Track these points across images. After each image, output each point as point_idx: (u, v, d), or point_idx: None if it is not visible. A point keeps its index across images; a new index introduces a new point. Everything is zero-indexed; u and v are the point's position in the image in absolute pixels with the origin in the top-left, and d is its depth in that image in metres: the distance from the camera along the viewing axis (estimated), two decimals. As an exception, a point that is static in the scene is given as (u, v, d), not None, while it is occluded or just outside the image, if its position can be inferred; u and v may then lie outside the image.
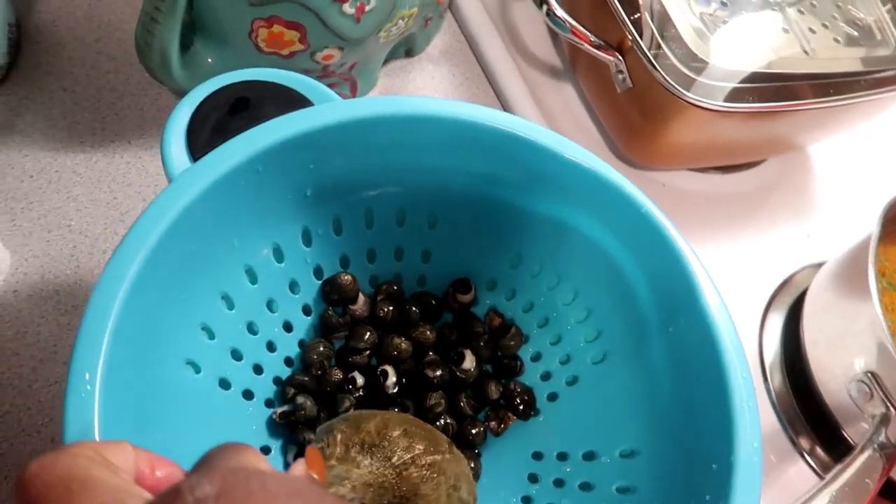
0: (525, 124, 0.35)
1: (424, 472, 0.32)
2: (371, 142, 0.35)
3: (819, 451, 0.46)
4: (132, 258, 0.29)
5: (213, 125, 0.33)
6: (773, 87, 0.46)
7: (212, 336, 0.36)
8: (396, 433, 0.33)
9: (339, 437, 0.34)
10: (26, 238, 0.45)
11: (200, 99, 0.34)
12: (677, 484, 0.33)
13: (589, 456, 0.38)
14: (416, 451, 0.33)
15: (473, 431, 0.40)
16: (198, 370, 0.35)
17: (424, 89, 0.57)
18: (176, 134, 0.34)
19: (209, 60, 0.46)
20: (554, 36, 0.61)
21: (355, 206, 0.39)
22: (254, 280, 0.37)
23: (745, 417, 0.30)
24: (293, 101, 0.35)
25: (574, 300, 0.40)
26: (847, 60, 0.49)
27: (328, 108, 0.34)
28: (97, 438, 0.26)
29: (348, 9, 0.43)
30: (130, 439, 0.29)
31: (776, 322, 0.52)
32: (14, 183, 0.46)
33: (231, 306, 0.37)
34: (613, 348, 0.39)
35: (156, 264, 0.30)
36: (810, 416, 0.47)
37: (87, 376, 0.27)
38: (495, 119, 0.35)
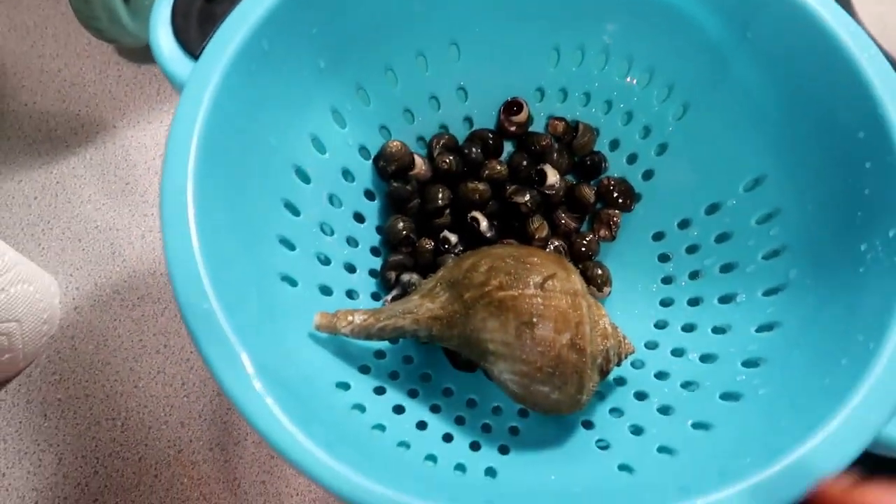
0: None
1: (492, 309, 0.30)
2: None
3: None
4: (183, 177, 0.26)
5: (198, 17, 0.30)
6: None
7: (291, 247, 0.33)
8: (483, 269, 0.31)
9: (440, 273, 0.32)
10: (61, 255, 0.42)
11: (173, -3, 0.30)
12: (824, 185, 0.30)
13: (712, 208, 0.35)
14: (488, 288, 0.30)
15: (585, 242, 0.38)
16: (294, 283, 0.32)
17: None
18: (164, 38, 0.30)
19: (155, 0, 0.42)
20: None
21: (374, 66, 0.36)
22: (306, 179, 0.35)
23: (871, 62, 0.27)
24: (267, -34, 0.31)
25: (630, 68, 0.37)
26: None
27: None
28: (245, 360, 0.24)
29: None
30: (268, 357, 0.27)
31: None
32: (22, 211, 0.43)
33: (296, 212, 0.34)
34: (692, 95, 0.36)
35: (210, 177, 0.27)
36: None
37: (200, 291, 0.24)
38: None
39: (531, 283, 0.30)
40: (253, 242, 0.30)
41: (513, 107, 0.39)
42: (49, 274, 0.41)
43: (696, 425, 0.29)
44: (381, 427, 0.30)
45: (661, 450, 0.28)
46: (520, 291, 0.29)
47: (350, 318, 0.31)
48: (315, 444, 0.23)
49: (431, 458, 0.29)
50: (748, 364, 0.30)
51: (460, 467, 0.29)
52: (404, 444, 0.29)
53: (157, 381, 0.39)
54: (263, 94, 0.31)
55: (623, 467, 0.28)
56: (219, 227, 0.27)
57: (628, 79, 0.37)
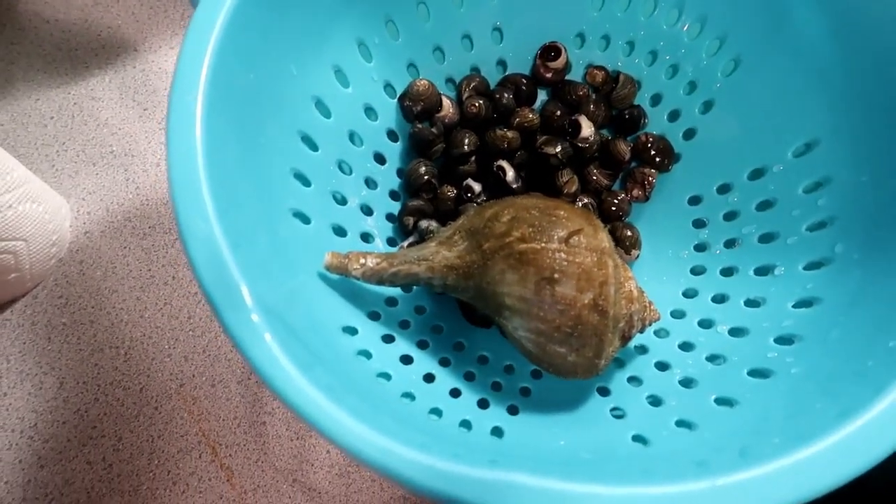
0: None
1: (512, 261, 0.28)
2: None
3: None
4: (193, 101, 0.25)
5: (221, -73, 0.28)
6: None
7: (307, 182, 0.31)
8: (505, 219, 0.29)
9: (460, 221, 0.31)
10: (74, 178, 0.41)
11: None
12: (883, 153, 0.28)
13: (756, 174, 0.33)
14: (509, 239, 0.28)
15: (616, 201, 0.36)
16: (306, 220, 0.31)
17: None
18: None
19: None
20: None
21: (404, -2, 0.34)
22: (327, 113, 0.33)
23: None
24: None
25: (680, 16, 0.34)
26: None
27: None
28: (244, 292, 0.22)
29: None
30: (270, 291, 0.25)
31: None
32: (37, 130, 0.42)
33: (314, 147, 0.32)
34: (746, 48, 0.33)
35: (221, 103, 0.26)
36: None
37: (200, 222, 0.23)
38: None
39: (555, 237, 0.28)
40: (264, 171, 0.29)
41: (550, 51, 0.36)
42: (61, 196, 0.40)
43: (720, 401, 0.27)
44: (387, 376, 0.28)
45: (680, 423, 0.27)
46: (542, 245, 0.28)
47: (362, 260, 0.30)
48: (312, 385, 0.21)
49: (436, 411, 0.28)
50: (781, 341, 0.28)
51: (466, 424, 0.28)
52: (409, 396, 0.28)
53: (164, 313, 0.38)
54: (285, 18, 0.29)
55: (637, 438, 0.27)
56: (227, 150, 0.26)
57: (679, 26, 0.35)
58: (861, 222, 0.28)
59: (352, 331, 0.29)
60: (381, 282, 0.30)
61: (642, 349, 0.32)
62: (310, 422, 0.21)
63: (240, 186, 0.26)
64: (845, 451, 0.20)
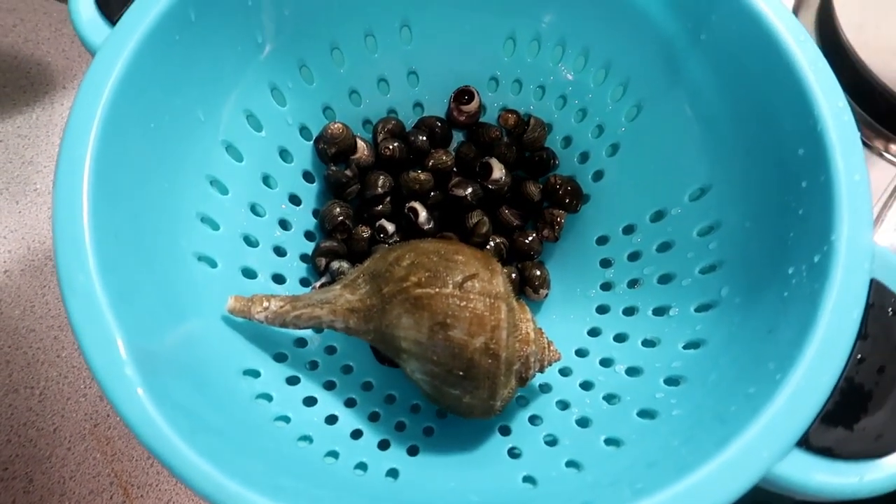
0: None
1: (408, 306, 0.28)
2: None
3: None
4: (83, 153, 0.25)
5: (122, -18, 0.29)
6: None
7: (215, 226, 0.32)
8: (405, 263, 0.29)
9: (366, 263, 0.31)
10: (-3, 216, 0.41)
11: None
12: (763, 201, 0.29)
13: (657, 216, 0.34)
14: (406, 284, 0.29)
15: (527, 241, 0.37)
16: (213, 264, 0.31)
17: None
18: (84, 3, 0.29)
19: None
20: None
21: (318, 44, 0.35)
22: (238, 157, 0.33)
23: (818, 76, 0.26)
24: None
25: (587, 63, 0.36)
26: None
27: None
28: (119, 345, 0.23)
29: None
30: (158, 340, 0.26)
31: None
32: (-38, 168, 0.42)
33: (224, 191, 0.33)
34: (646, 94, 0.34)
35: (115, 154, 0.26)
36: (877, 114, 0.42)
37: (80, 275, 0.23)
38: None
39: (450, 282, 0.28)
40: (166, 218, 0.29)
41: (463, 95, 0.37)
42: (-18, 234, 0.40)
43: (609, 441, 0.28)
44: (286, 419, 0.29)
45: (569, 464, 0.28)
46: (437, 290, 0.28)
47: (265, 303, 0.30)
48: (185, 443, 0.22)
49: (333, 454, 0.28)
50: (669, 382, 0.29)
51: (362, 466, 0.28)
52: (307, 439, 0.28)
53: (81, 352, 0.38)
54: (189, 67, 0.30)
55: (527, 479, 0.27)
56: (121, 199, 0.26)
57: (585, 72, 0.36)
58: (744, 266, 0.29)
59: (254, 373, 0.30)
60: (284, 325, 0.30)
61: (546, 388, 0.33)
62: (181, 480, 0.21)
63: (133, 236, 0.26)
64: (698, 494, 0.21)
